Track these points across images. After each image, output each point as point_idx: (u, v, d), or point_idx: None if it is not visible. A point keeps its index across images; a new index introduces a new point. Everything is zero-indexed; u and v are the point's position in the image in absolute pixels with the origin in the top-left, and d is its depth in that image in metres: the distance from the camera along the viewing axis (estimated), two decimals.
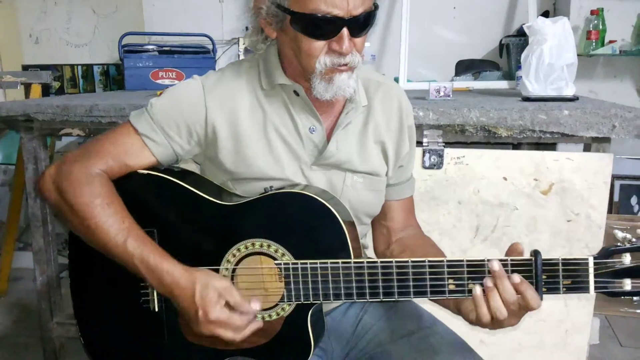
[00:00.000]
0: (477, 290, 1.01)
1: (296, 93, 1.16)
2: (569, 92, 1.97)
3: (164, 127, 1.16)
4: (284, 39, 1.12)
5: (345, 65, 1.08)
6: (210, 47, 3.02)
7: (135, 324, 1.17)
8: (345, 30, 1.04)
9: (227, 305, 1.03)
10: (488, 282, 1.00)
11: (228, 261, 1.11)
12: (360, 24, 1.06)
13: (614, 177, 2.88)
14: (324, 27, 1.04)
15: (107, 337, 1.21)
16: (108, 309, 1.19)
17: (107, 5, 3.28)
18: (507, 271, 1.01)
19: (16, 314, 2.79)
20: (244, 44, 2.93)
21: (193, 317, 1.04)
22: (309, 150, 1.18)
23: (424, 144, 1.78)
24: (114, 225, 1.08)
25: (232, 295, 1.03)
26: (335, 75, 1.09)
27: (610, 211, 2.89)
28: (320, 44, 1.06)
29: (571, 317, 1.86)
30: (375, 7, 1.10)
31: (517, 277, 0.99)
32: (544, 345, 1.87)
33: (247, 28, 3.18)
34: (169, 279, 1.05)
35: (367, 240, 1.39)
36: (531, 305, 0.99)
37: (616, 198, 2.90)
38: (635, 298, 1.00)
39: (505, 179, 1.79)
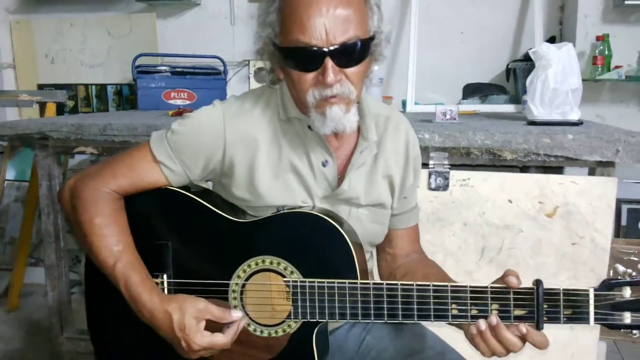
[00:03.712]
0: (474, 330, 1.04)
1: (310, 127, 1.16)
2: (574, 116, 2.00)
3: (182, 157, 1.18)
4: (285, 76, 1.14)
5: (335, 97, 1.07)
6: (221, 68, 3.08)
7: (147, 337, 1.18)
8: (328, 61, 1.03)
9: (210, 322, 1.06)
10: (482, 325, 1.02)
11: (238, 276, 1.14)
12: (345, 54, 1.04)
13: (622, 202, 2.88)
14: (307, 59, 1.05)
15: (119, 349, 1.24)
16: (120, 321, 1.21)
17: (122, 27, 3.36)
18: (509, 298, 1.02)
19: (26, 329, 2.82)
20: (254, 66, 2.98)
21: (179, 348, 1.08)
22: (320, 184, 1.20)
23: (430, 166, 1.81)
24: (107, 247, 1.12)
25: (211, 312, 1.07)
26: (327, 109, 1.07)
27: (617, 235, 2.89)
28: (308, 77, 1.06)
29: (577, 341, 1.86)
30: (372, 37, 1.09)
31: (523, 328, 1.01)
32: None
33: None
34: (147, 313, 1.08)
35: (369, 264, 1.41)
36: (539, 347, 1.03)
37: (624, 222, 2.90)
38: (635, 332, 1.01)
39: (510, 201, 1.81)
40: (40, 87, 3.48)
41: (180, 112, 2.37)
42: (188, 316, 1.05)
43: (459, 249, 1.85)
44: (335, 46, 1.02)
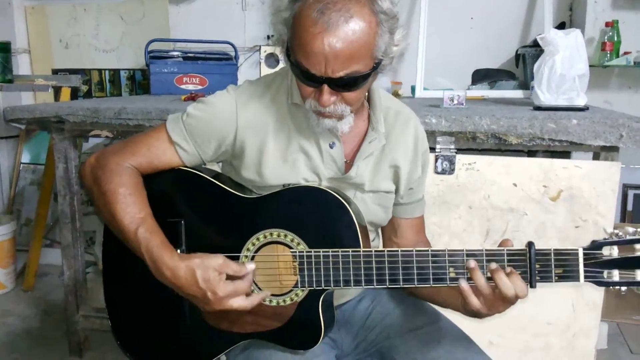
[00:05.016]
0: (463, 283, 1.08)
1: None
2: (580, 102, 2.02)
3: (195, 139, 1.25)
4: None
5: (329, 113, 1.13)
6: (232, 54, 3.12)
7: (160, 309, 1.25)
8: (324, 86, 1.09)
9: (229, 277, 1.12)
10: (470, 263, 1.07)
11: (248, 249, 1.19)
12: (342, 85, 1.08)
13: (628, 187, 2.91)
14: (307, 78, 1.10)
15: (134, 322, 1.30)
16: (135, 294, 1.28)
17: (135, 13, 3.40)
18: (503, 260, 1.07)
19: (43, 308, 2.90)
20: (265, 52, 3.01)
21: (203, 300, 1.12)
22: (328, 165, 1.25)
23: (436, 150, 1.85)
24: (130, 214, 1.18)
25: (230, 267, 1.12)
26: (320, 118, 1.15)
27: (623, 220, 2.92)
28: (308, 88, 1.12)
29: (579, 321, 1.90)
30: (376, 64, 1.10)
31: (507, 269, 1.06)
32: (551, 348, 1.92)
33: (268, 37, 3.27)
34: (169, 272, 1.13)
35: (374, 243, 1.45)
36: (520, 293, 1.05)
37: (630, 207, 2.93)
38: (623, 288, 1.04)
39: (515, 185, 1.85)
40: (55, 72, 3.54)
41: (192, 97, 2.42)
42: (211, 269, 1.10)
43: (464, 231, 1.89)
44: (333, 77, 1.07)
